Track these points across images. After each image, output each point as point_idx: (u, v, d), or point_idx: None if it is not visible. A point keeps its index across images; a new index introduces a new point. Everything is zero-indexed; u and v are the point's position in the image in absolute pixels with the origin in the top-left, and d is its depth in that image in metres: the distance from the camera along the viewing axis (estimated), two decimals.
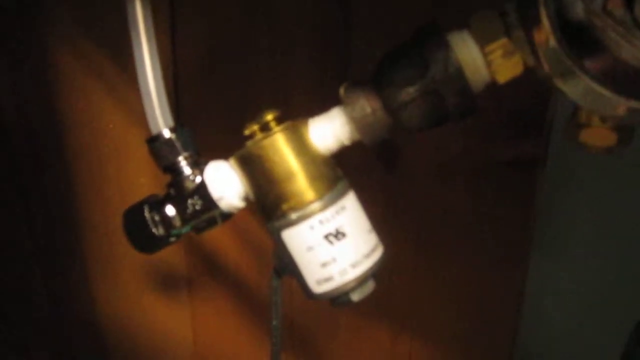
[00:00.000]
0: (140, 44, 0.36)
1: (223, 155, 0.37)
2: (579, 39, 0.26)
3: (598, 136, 0.31)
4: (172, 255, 0.61)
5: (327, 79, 0.56)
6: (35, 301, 0.59)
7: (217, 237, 0.61)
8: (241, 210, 0.37)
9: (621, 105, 0.26)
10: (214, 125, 0.41)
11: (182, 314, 0.64)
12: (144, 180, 0.57)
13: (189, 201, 0.36)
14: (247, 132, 0.35)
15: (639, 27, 0.22)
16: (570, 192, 0.66)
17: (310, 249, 0.33)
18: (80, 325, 0.62)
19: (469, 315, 0.64)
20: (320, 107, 0.35)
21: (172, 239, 0.38)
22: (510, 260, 0.62)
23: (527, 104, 0.55)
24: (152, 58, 0.36)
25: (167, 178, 0.38)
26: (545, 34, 0.25)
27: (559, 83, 0.27)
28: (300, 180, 0.33)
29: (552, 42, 0.25)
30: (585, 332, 0.70)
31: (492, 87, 0.32)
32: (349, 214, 0.34)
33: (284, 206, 0.33)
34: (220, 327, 0.65)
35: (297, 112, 0.35)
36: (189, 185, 0.36)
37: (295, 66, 0.55)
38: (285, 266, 0.35)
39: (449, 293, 0.64)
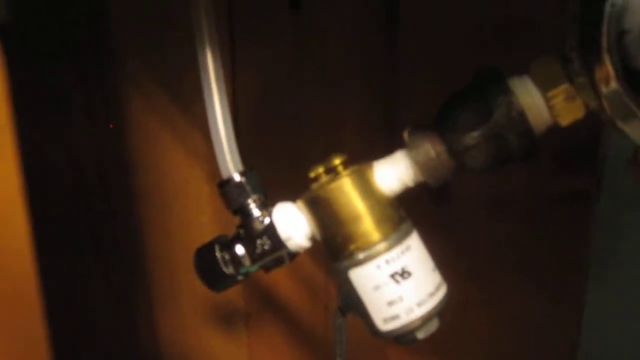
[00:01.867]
0: (211, 91, 0.38)
1: (278, 196, 0.38)
2: None
3: None
4: (230, 291, 0.62)
5: (375, 122, 0.57)
6: (101, 332, 0.61)
7: (273, 273, 0.62)
8: None
9: None
10: (269, 168, 0.42)
11: (240, 349, 0.65)
12: (204, 219, 0.59)
13: (258, 241, 0.37)
14: (312, 174, 0.36)
15: None
16: (626, 225, 0.65)
17: (377, 287, 0.34)
18: (141, 356, 0.64)
19: (524, 353, 0.63)
20: (368, 147, 0.36)
21: (240, 277, 0.39)
22: (567, 296, 0.61)
23: (579, 140, 0.56)
24: (222, 105, 0.38)
25: (227, 216, 0.40)
26: (610, 80, 0.26)
27: (621, 125, 0.28)
28: (366, 222, 0.34)
29: (616, 86, 0.26)
30: None
31: (554, 129, 0.33)
32: (413, 253, 0.35)
33: (351, 246, 0.34)
34: None
35: (346, 153, 0.36)
36: (258, 227, 0.38)
37: (345, 110, 0.57)
38: (351, 305, 0.36)
39: (503, 330, 0.63)
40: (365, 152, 0.37)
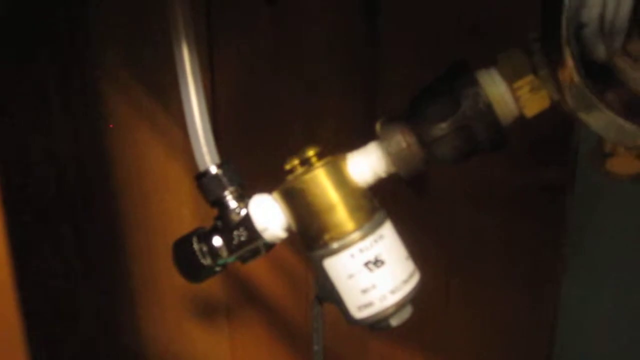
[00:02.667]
0: (187, 86, 0.39)
1: (258, 188, 0.39)
2: (601, 76, 0.27)
3: (623, 165, 0.33)
4: (211, 283, 0.63)
5: (354, 114, 0.58)
6: (82, 326, 0.62)
7: (253, 265, 0.62)
8: None
9: None
10: (249, 160, 0.43)
11: (221, 341, 0.66)
12: (185, 212, 0.59)
13: (235, 233, 0.38)
14: (287, 166, 0.37)
15: None
16: (600, 215, 0.67)
17: (351, 276, 0.35)
18: (123, 348, 0.64)
19: (501, 341, 0.65)
20: (347, 139, 0.37)
21: (218, 269, 0.40)
22: (542, 285, 0.62)
23: (553, 132, 0.57)
24: (198, 98, 0.39)
25: (207, 209, 0.40)
26: (570, 72, 0.27)
27: (583, 117, 0.29)
28: (340, 212, 0.35)
29: (576, 79, 0.27)
30: (618, 355, 0.70)
31: (520, 121, 0.34)
32: (387, 242, 0.36)
33: (326, 236, 0.35)
34: (257, 353, 0.66)
35: (325, 145, 0.37)
36: (235, 218, 0.38)
37: (324, 102, 0.58)
38: (326, 293, 0.37)
39: (481, 319, 0.64)
40: (345, 143, 0.37)
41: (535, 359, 0.65)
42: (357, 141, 0.37)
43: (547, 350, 0.65)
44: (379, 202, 0.37)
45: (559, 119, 0.54)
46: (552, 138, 0.57)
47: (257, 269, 0.63)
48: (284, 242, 0.40)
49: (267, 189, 0.38)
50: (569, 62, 0.27)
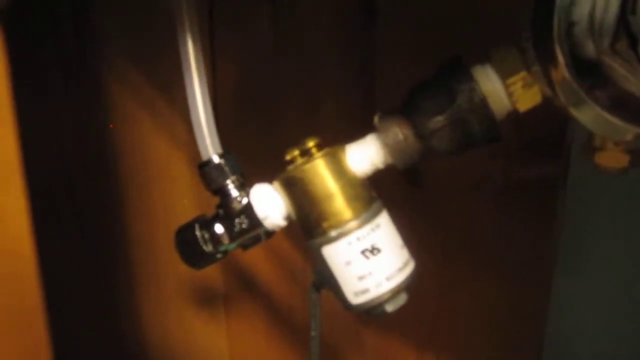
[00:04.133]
0: (191, 78, 0.40)
1: (258, 178, 0.40)
2: (590, 73, 0.29)
3: (611, 158, 0.34)
4: (210, 272, 0.64)
5: (353, 106, 0.59)
6: (81, 313, 0.63)
7: (252, 254, 0.63)
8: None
9: (629, 132, 0.29)
10: (249, 151, 0.44)
11: (219, 330, 0.67)
12: (187, 202, 0.60)
13: (236, 220, 0.39)
14: (288, 157, 0.38)
15: None
16: (593, 211, 0.68)
17: (348, 263, 0.36)
18: (122, 337, 0.65)
19: (493, 333, 0.66)
20: (346, 132, 0.38)
21: (220, 255, 0.41)
22: (534, 278, 0.63)
23: (547, 127, 0.58)
24: (202, 88, 0.40)
25: (208, 200, 0.42)
26: (560, 69, 0.28)
27: (573, 112, 0.31)
28: (338, 201, 0.36)
29: (567, 75, 0.29)
30: (609, 351, 0.71)
31: (514, 115, 0.35)
32: (383, 231, 0.37)
33: (324, 224, 0.36)
34: (255, 342, 0.67)
35: (325, 138, 0.38)
36: (236, 206, 0.40)
37: (324, 94, 0.59)
38: (324, 280, 0.38)
39: (473, 311, 0.65)
40: (344, 135, 0.39)
41: (527, 349, 0.66)
42: (356, 130, 0.38)
43: (538, 340, 0.66)
44: (377, 192, 0.39)
45: (553, 113, 0.55)
46: (547, 132, 0.58)
47: (256, 259, 0.64)
48: (283, 232, 0.41)
49: (267, 178, 0.40)
50: (560, 59, 0.28)
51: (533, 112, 0.35)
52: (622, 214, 0.67)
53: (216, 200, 0.41)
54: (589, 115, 0.30)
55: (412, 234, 0.39)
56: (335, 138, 0.38)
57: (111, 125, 0.57)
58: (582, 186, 0.64)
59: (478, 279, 0.64)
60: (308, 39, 0.58)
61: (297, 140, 0.38)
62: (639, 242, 0.67)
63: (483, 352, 0.66)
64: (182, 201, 0.60)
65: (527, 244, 0.62)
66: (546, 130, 0.58)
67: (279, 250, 0.64)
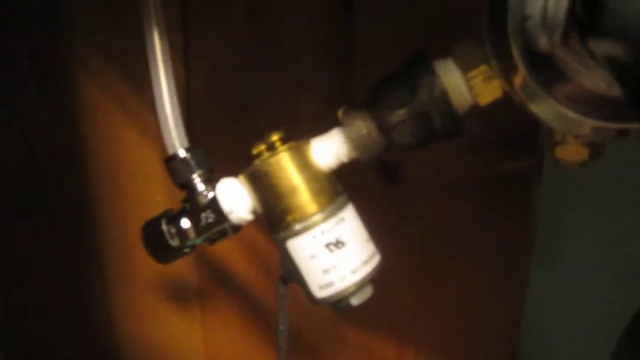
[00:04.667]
0: (157, 71, 0.40)
1: (232, 172, 0.40)
2: (545, 67, 0.29)
3: (571, 152, 0.34)
4: (184, 267, 0.64)
5: (331, 102, 0.59)
6: (54, 310, 0.62)
7: (226, 249, 0.64)
8: (248, 224, 0.40)
9: (586, 125, 0.30)
10: (223, 146, 0.44)
11: (193, 324, 0.67)
12: (159, 198, 0.60)
13: (203, 215, 0.39)
14: (254, 151, 0.38)
15: (593, 58, 0.25)
16: (568, 205, 0.68)
17: (312, 257, 0.36)
18: (95, 331, 0.65)
19: (471, 326, 0.66)
20: (325, 128, 0.38)
21: (187, 250, 0.41)
22: (510, 273, 0.64)
23: (520, 122, 0.58)
24: (168, 84, 0.40)
25: (181, 195, 0.41)
26: (515, 63, 0.29)
27: (531, 107, 0.31)
28: (303, 195, 0.36)
29: (521, 69, 0.29)
30: (585, 346, 0.72)
31: (476, 109, 0.35)
32: (348, 224, 0.37)
33: (289, 218, 0.36)
34: (229, 337, 0.67)
35: (303, 133, 0.38)
36: (203, 200, 0.39)
37: (301, 88, 0.59)
38: (290, 274, 0.38)
39: (451, 305, 0.66)
40: (323, 130, 0.39)
41: (503, 346, 0.67)
42: (335, 125, 0.38)
43: (515, 333, 0.67)
44: (353, 187, 0.39)
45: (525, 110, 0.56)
46: (520, 126, 0.59)
47: (230, 252, 0.64)
48: (256, 225, 0.41)
49: (239, 173, 0.39)
50: (515, 53, 0.28)
51: (506, 105, 0.36)
52: (597, 207, 0.68)
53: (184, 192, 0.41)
54: (546, 109, 0.30)
55: (389, 229, 0.40)
56: (314, 134, 0.38)
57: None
58: (557, 179, 0.65)
59: (456, 273, 0.64)
60: (285, 32, 0.57)
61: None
62: (614, 235, 0.68)
63: (461, 345, 0.67)
64: (155, 197, 0.60)
65: (504, 237, 0.63)
66: (520, 124, 0.58)
67: (253, 244, 0.64)
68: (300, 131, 0.38)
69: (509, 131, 0.59)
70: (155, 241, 0.41)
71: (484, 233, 0.63)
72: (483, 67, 0.33)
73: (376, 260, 0.39)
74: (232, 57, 0.58)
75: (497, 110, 0.35)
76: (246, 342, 0.67)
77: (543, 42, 0.27)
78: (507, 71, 0.30)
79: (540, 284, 0.69)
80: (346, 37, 0.57)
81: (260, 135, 0.38)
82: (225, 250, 0.63)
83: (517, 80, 0.29)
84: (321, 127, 0.38)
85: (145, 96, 0.56)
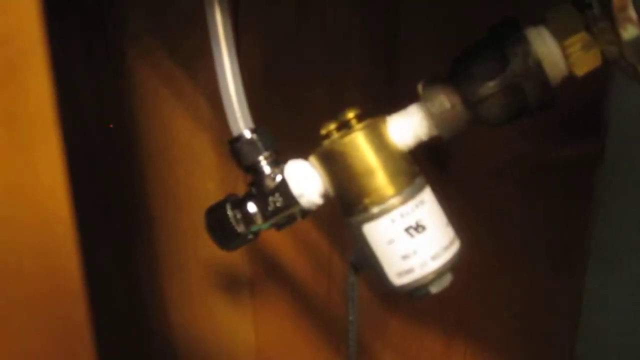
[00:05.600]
0: (220, 50, 0.38)
1: (286, 154, 0.38)
2: None
3: None
4: (235, 258, 0.63)
5: (376, 80, 0.57)
6: (106, 299, 0.62)
7: (278, 240, 0.62)
8: None
9: None
10: (273, 128, 0.42)
11: (245, 316, 0.66)
12: (211, 185, 0.59)
13: (270, 199, 0.37)
14: (323, 131, 0.36)
15: None
16: (629, 195, 0.65)
17: (391, 241, 0.34)
18: (147, 323, 0.64)
19: (523, 323, 0.64)
20: (370, 106, 0.36)
21: (251, 236, 0.39)
22: (567, 266, 0.61)
23: (582, 105, 0.55)
24: (232, 63, 0.38)
25: (233, 183, 0.40)
26: (630, 23, 0.26)
27: None
28: (380, 176, 0.34)
29: (637, 30, 0.26)
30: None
31: (570, 80, 0.33)
32: (427, 207, 0.35)
33: (366, 201, 0.34)
34: (281, 328, 0.66)
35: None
36: (270, 184, 0.37)
37: (347, 69, 0.57)
38: (364, 260, 0.36)
39: (503, 299, 0.63)
40: (367, 110, 0.37)
41: (559, 341, 0.64)
42: (380, 106, 0.36)
43: (571, 333, 0.64)
44: None
45: (589, 92, 0.53)
46: (582, 109, 0.56)
47: (281, 245, 0.62)
48: (309, 218, 0.39)
49: (292, 157, 0.38)
50: (631, 13, 0.26)
51: (568, 86, 0.33)
52: None
53: (242, 182, 0.39)
54: None
55: None
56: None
57: (110, 125, 0.55)
58: (619, 166, 0.62)
59: (508, 267, 0.62)
60: (331, 11, 0.55)
61: (322, 116, 0.36)
62: None
63: (512, 342, 0.64)
64: (207, 184, 0.59)
65: (561, 231, 0.60)
66: (581, 107, 0.56)
67: (305, 235, 0.62)
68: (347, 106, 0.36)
69: (569, 112, 0.56)
70: (220, 227, 0.39)
71: (539, 225, 0.60)
72: (581, 34, 0.30)
73: (457, 245, 0.36)
74: (280, 34, 0.56)
75: (557, 90, 0.33)
76: (297, 333, 0.66)
77: None
78: (618, 34, 0.27)
79: (598, 281, 0.66)
80: (393, 14, 0.55)
81: (309, 118, 0.36)
82: (277, 241, 0.62)
83: (631, 43, 0.27)
84: (368, 100, 0.36)
85: (199, 79, 0.55)
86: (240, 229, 0.38)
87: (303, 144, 0.37)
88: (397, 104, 0.37)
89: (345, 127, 0.35)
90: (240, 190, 0.40)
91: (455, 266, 0.36)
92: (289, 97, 0.57)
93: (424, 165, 0.56)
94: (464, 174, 0.60)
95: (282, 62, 0.57)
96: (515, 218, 0.61)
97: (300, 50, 0.56)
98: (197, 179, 0.59)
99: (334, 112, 0.36)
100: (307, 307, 0.65)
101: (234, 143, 0.38)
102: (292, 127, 0.45)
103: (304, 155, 0.38)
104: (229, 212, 0.38)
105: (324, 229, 0.61)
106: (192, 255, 0.61)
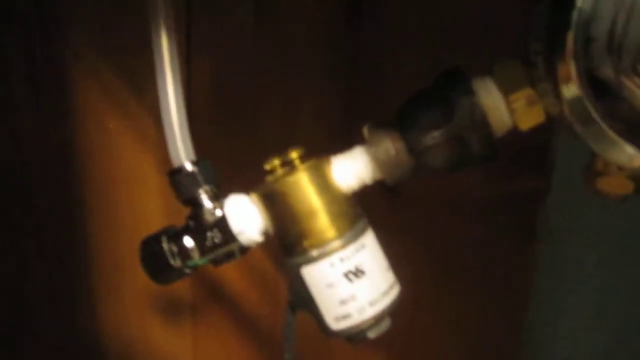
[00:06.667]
0: (164, 75, 0.36)
1: (232, 182, 0.37)
2: (604, 93, 0.26)
3: (616, 185, 0.32)
4: (177, 282, 0.61)
5: (333, 109, 0.56)
6: (41, 322, 0.59)
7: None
8: None
9: (639, 159, 0.27)
10: (224, 157, 0.41)
11: (184, 341, 0.64)
12: (153, 207, 0.57)
13: (209, 234, 0.36)
14: (268, 166, 0.35)
15: None
16: (575, 224, 0.66)
17: (330, 286, 0.33)
18: (83, 348, 0.62)
19: (469, 349, 0.64)
20: (325, 135, 0.35)
21: (188, 271, 0.38)
22: (513, 293, 0.62)
23: (530, 140, 0.56)
24: (175, 91, 0.37)
25: (178, 205, 0.38)
26: (573, 87, 0.26)
27: (580, 131, 0.28)
28: (322, 218, 0.33)
29: (580, 94, 0.26)
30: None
31: (513, 133, 0.33)
32: (368, 251, 0.34)
33: (305, 243, 0.33)
34: (222, 354, 0.64)
35: (304, 139, 0.35)
36: (209, 218, 0.36)
37: (303, 98, 0.56)
38: (302, 302, 0.35)
39: (446, 328, 0.64)
40: (323, 140, 0.36)
41: None
42: (336, 133, 0.36)
43: (514, 356, 0.65)
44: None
45: (535, 130, 0.54)
46: (530, 146, 0.57)
47: (225, 268, 0.60)
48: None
49: (241, 183, 0.37)
50: (574, 76, 0.26)
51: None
52: (602, 229, 0.66)
53: (186, 208, 0.38)
54: (599, 138, 0.28)
55: (387, 250, 0.37)
56: (315, 139, 0.36)
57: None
58: (565, 199, 0.63)
59: (456, 295, 0.62)
60: (290, 36, 0.55)
61: (275, 144, 0.35)
62: (618, 257, 0.66)
63: None
64: (150, 205, 0.57)
65: (506, 261, 0.61)
66: (529, 143, 0.56)
67: (250, 259, 0.60)
68: (302, 136, 0.35)
69: (517, 149, 0.57)
70: (155, 260, 0.37)
71: (486, 255, 0.61)
72: (527, 90, 0.31)
73: (396, 290, 0.36)
74: (234, 59, 0.55)
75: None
76: (239, 359, 0.65)
77: (607, 67, 0.25)
78: (560, 95, 0.27)
79: (542, 308, 0.67)
80: (353, 42, 0.55)
81: (261, 143, 0.35)
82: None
83: (572, 105, 0.27)
84: (323, 133, 0.36)
85: (146, 99, 0.53)
86: (176, 263, 0.37)
87: (252, 171, 0.36)
88: (353, 137, 0.36)
89: (288, 165, 0.34)
90: (184, 213, 0.38)
91: (393, 310, 0.35)
92: (242, 120, 0.56)
93: (377, 199, 0.57)
94: (414, 205, 0.60)
95: (236, 84, 0.56)
96: (463, 249, 0.61)
97: (255, 77, 0.56)
98: (139, 200, 0.57)
99: (287, 140, 0.35)
100: (251, 332, 0.64)
101: (174, 175, 0.37)
102: (244, 152, 0.43)
103: (253, 184, 0.36)
104: (165, 245, 0.37)
105: (271, 253, 0.60)
106: (131, 279, 0.59)
